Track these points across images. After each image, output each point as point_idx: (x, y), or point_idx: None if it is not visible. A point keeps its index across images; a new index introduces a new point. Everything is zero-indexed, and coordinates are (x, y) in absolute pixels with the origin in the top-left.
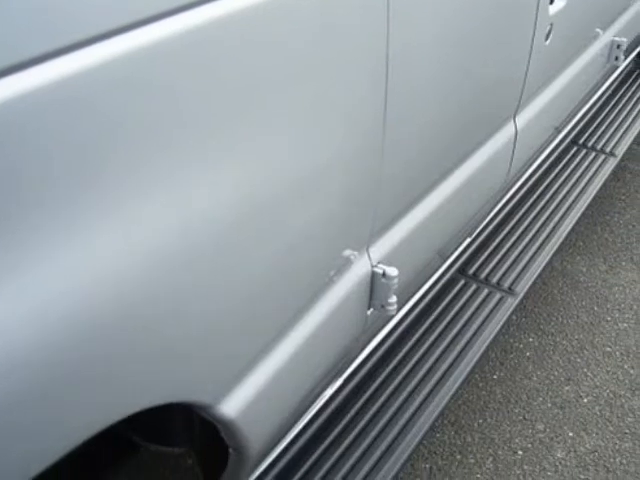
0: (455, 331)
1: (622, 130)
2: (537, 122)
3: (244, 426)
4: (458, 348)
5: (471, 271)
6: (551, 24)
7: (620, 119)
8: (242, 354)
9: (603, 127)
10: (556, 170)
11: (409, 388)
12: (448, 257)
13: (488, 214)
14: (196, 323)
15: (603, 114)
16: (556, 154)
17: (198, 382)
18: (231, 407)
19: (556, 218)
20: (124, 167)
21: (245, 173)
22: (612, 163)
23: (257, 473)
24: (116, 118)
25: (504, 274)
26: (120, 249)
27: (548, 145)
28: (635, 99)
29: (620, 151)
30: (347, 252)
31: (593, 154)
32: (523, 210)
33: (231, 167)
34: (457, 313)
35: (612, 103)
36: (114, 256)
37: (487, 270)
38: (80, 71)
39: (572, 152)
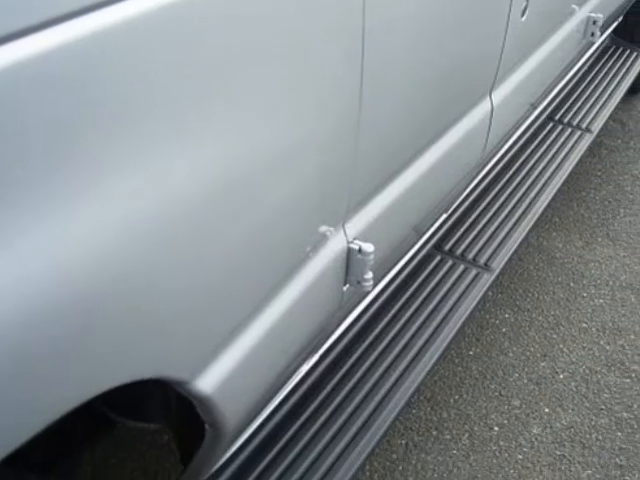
0: (431, 307)
1: (598, 106)
2: (513, 98)
3: (220, 402)
4: (434, 324)
5: (447, 247)
6: (527, 0)
7: (596, 95)
8: (218, 330)
9: (579, 103)
10: (532, 146)
11: (385, 364)
12: (424, 233)
13: (464, 190)
14: (172, 299)
15: (579, 90)
16: (532, 130)
17: (174, 358)
18: (207, 383)
19: (532, 194)
20: (99, 144)
21: (220, 149)
22: (588, 139)
23: (233, 449)
24: (90, 95)
25: (480, 250)
26: (95, 225)
27: (524, 121)
28: (611, 75)
29: (596, 127)
30: (323, 228)
31: (569, 130)
32: (499, 186)
33: (206, 144)
34: (433, 289)
35: (588, 79)
36: (89, 232)
37: (463, 246)
38: (55, 47)
39: (548, 128)
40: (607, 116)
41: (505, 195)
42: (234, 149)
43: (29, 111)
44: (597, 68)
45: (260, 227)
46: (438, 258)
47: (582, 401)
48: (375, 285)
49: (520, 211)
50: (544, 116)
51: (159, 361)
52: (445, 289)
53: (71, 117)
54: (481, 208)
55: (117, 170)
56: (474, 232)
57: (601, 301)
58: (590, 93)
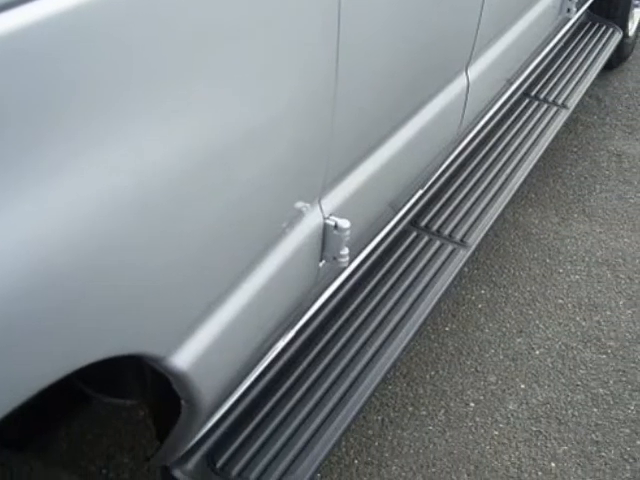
0: (407, 283)
1: (574, 82)
2: (489, 74)
3: (196, 378)
4: (410, 300)
5: (423, 223)
6: None
7: (572, 71)
8: (194, 306)
9: (555, 79)
10: (508, 122)
11: (361, 340)
12: (400, 209)
13: (440, 166)
14: (148, 274)
15: (555, 66)
16: (508, 106)
17: (150, 334)
18: (183, 359)
19: (508, 170)
20: (74, 120)
21: (196, 125)
22: (564, 115)
23: (209, 425)
24: (65, 70)
25: (456, 226)
26: (71, 201)
27: (500, 97)
28: (587, 51)
29: (572, 103)
30: (299, 204)
31: (545, 106)
32: (475, 162)
33: (183, 118)
34: (409, 265)
35: (564, 55)
36: (65, 208)
37: (439, 222)
38: (28, 24)
39: (524, 104)
40: (583, 92)
41: (481, 171)
42: (210, 124)
43: (4, 86)
44: (573, 44)
45: (236, 203)
46: (414, 234)
47: (558, 377)
48: (351, 261)
49: (496, 187)
50: (520, 92)
51: (135, 337)
52: (421, 265)
53: (45, 93)
54: (457, 184)
55: (92, 146)
56: (450, 208)
57: (577, 277)
58: (566, 69)
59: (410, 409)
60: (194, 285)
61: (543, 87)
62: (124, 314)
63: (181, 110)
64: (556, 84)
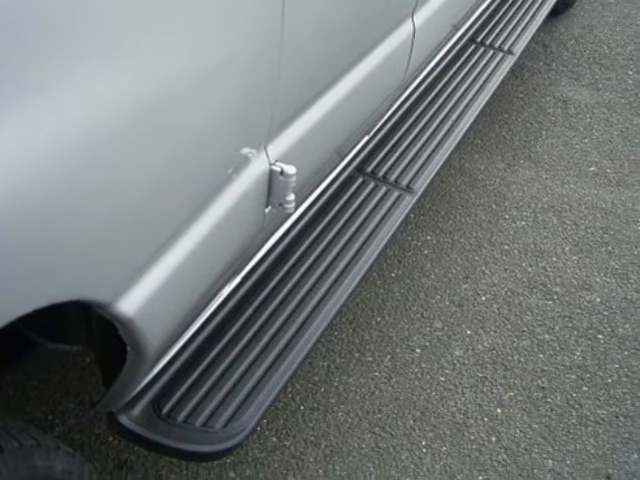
0: (353, 229)
1: (520, 28)
2: (435, 20)
3: (142, 324)
4: (356, 246)
5: (369, 169)
6: None
7: (518, 17)
8: (139, 252)
9: (501, 25)
10: (454, 68)
11: (307, 286)
12: (346, 155)
13: (386, 112)
14: (93, 220)
15: (501, 12)
16: (454, 52)
17: (95, 280)
18: (129, 305)
19: (454, 116)
20: (21, 62)
21: (142, 70)
22: (510, 61)
23: (155, 371)
24: (8, 15)
25: (402, 172)
26: (16, 147)
27: (446, 43)
28: None
29: (518, 49)
30: (245, 150)
31: (491, 52)
32: (421, 108)
33: (128, 65)
34: (355, 211)
35: (510, 1)
36: (10, 154)
37: (385, 168)
38: None
39: (470, 50)
40: (529, 38)
41: (427, 117)
42: (155, 70)
43: None
44: None
45: (182, 148)
46: (360, 180)
47: (504, 323)
48: (297, 207)
49: (442, 133)
50: (466, 38)
51: (80, 283)
52: (367, 211)
53: None
54: (403, 130)
55: (37, 90)
56: (396, 154)
57: (523, 223)
58: (512, 15)
59: (356, 355)
60: (139, 231)
61: (489, 33)
62: (68, 260)
63: (126, 56)
64: (502, 30)
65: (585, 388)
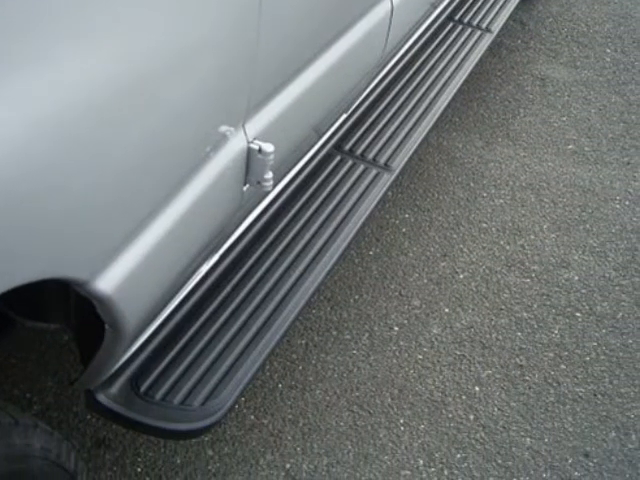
0: (331, 207)
1: (498, 6)
2: None
3: (120, 302)
4: (334, 224)
5: (347, 147)
6: None
7: None
8: (117, 230)
9: (479, 3)
10: (432, 46)
11: (285, 264)
12: (324, 133)
13: (364, 90)
14: (70, 198)
15: None
16: (432, 30)
17: (73, 258)
18: (107, 283)
19: (432, 94)
20: None
21: (120, 47)
22: (488, 39)
23: (133, 349)
24: None
25: (380, 150)
26: None
27: (424, 21)
28: None
29: (496, 27)
30: (223, 128)
31: (469, 30)
32: (399, 86)
33: (107, 41)
34: (333, 189)
35: None
36: None
37: (363, 146)
38: None
39: (448, 28)
40: (507, 16)
41: (405, 95)
42: (133, 47)
43: None
44: None
45: (158, 127)
46: (338, 158)
47: (482, 301)
48: (275, 185)
49: (420, 111)
50: (444, 16)
51: (58, 261)
52: (345, 189)
53: None
54: (381, 108)
55: (11, 70)
56: (374, 132)
57: (501, 201)
58: None
59: (334, 333)
60: (117, 209)
61: (467, 11)
62: (45, 238)
63: (104, 33)
64: (480, 8)
65: (563, 366)
